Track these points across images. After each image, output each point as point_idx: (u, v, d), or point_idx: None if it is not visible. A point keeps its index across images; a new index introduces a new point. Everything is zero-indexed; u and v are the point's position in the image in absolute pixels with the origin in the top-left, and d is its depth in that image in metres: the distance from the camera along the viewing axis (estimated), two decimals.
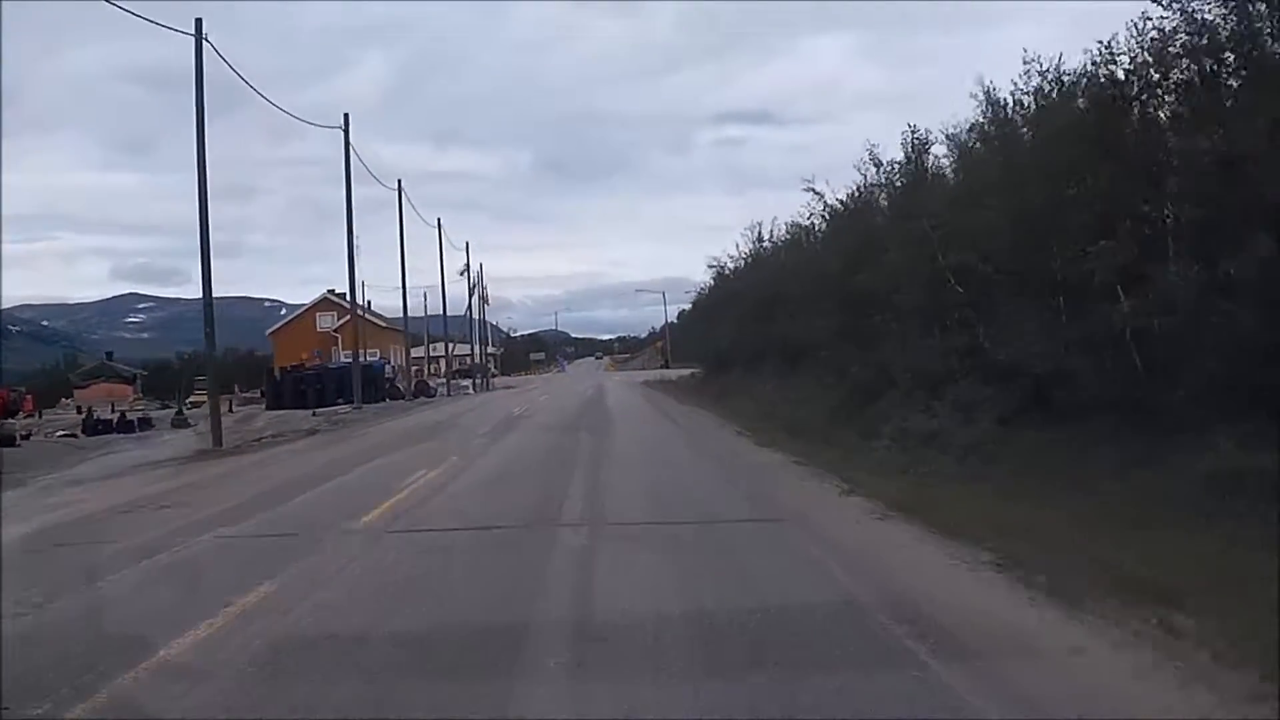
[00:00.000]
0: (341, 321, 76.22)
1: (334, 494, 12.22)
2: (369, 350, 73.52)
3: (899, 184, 16.68)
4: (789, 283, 23.33)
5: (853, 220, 18.65)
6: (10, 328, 67.17)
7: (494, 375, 76.16)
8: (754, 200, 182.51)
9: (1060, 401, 11.76)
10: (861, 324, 17.66)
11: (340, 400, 36.63)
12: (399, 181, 46.23)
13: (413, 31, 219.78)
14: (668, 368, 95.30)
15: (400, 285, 43.60)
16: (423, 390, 46.14)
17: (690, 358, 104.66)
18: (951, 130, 15.35)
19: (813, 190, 19.53)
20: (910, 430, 14.15)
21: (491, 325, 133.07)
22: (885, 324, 17.28)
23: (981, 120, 13.91)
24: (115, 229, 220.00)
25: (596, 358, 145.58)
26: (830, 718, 4.01)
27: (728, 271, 39.64)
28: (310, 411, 30.54)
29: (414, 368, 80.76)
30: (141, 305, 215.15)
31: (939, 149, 16.07)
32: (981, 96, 13.77)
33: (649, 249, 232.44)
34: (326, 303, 76.48)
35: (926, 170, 15.78)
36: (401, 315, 78.25)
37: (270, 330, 78.91)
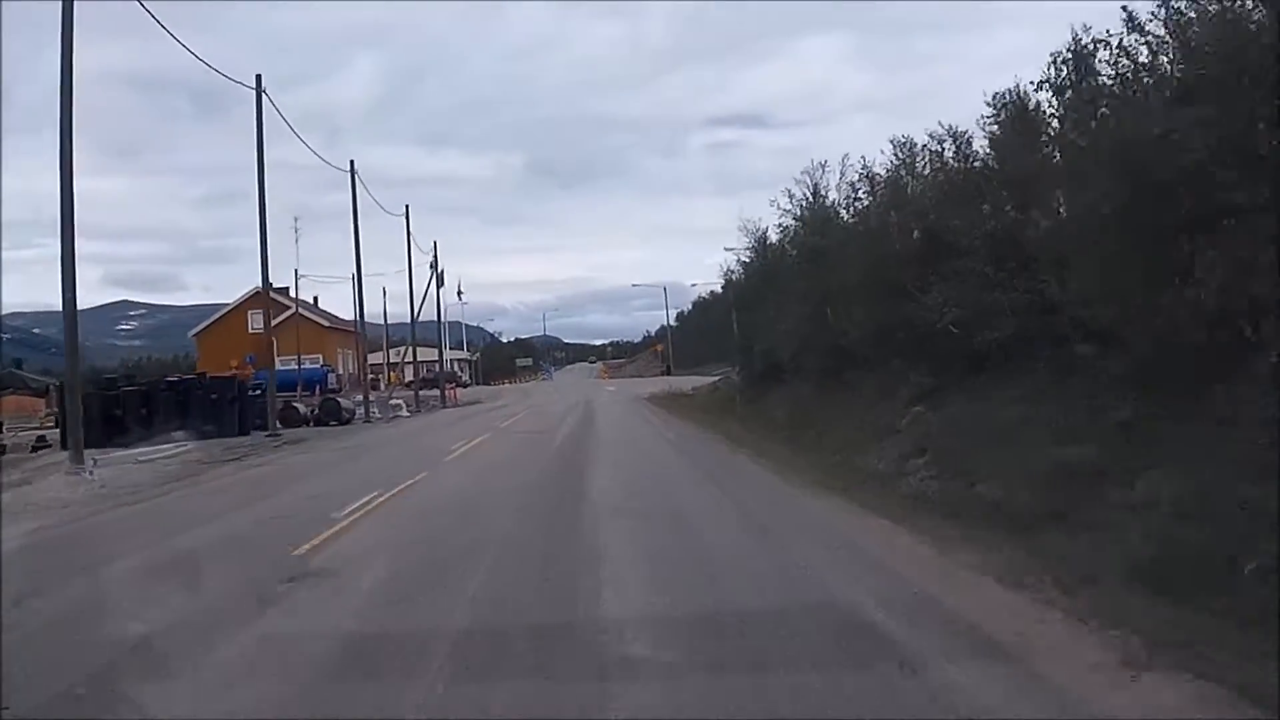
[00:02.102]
0: (279, 320, 63.06)
1: None
2: (309, 355, 60.89)
3: None
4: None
5: None
6: (2, 335, 58.16)
7: (459, 386, 63.30)
8: (746, 203, 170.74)
9: None
10: None
11: (207, 428, 23.73)
12: (257, 78, 29.77)
13: (403, 36, 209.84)
14: (670, 374, 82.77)
15: (260, 246, 29.47)
16: (331, 413, 32.98)
17: (693, 363, 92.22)
18: None
19: None
20: None
21: (471, 327, 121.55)
22: None
23: None
24: (106, 235, 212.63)
25: (590, 362, 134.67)
26: None
27: (782, 235, 26.40)
28: (89, 463, 17.63)
29: (371, 376, 67.90)
30: (133, 312, 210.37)
31: None
32: None
33: (641, 254, 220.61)
34: (259, 298, 63.19)
35: None
36: (379, 317, 65.49)
37: (194, 332, 65.74)
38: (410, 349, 69.78)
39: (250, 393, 27.41)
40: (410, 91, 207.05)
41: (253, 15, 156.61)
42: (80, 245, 17.78)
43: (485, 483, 13.98)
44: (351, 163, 37.01)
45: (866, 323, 16.53)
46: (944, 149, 15.63)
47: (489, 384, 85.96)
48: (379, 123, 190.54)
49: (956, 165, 15.34)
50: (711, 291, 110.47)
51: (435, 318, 78.68)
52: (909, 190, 16.81)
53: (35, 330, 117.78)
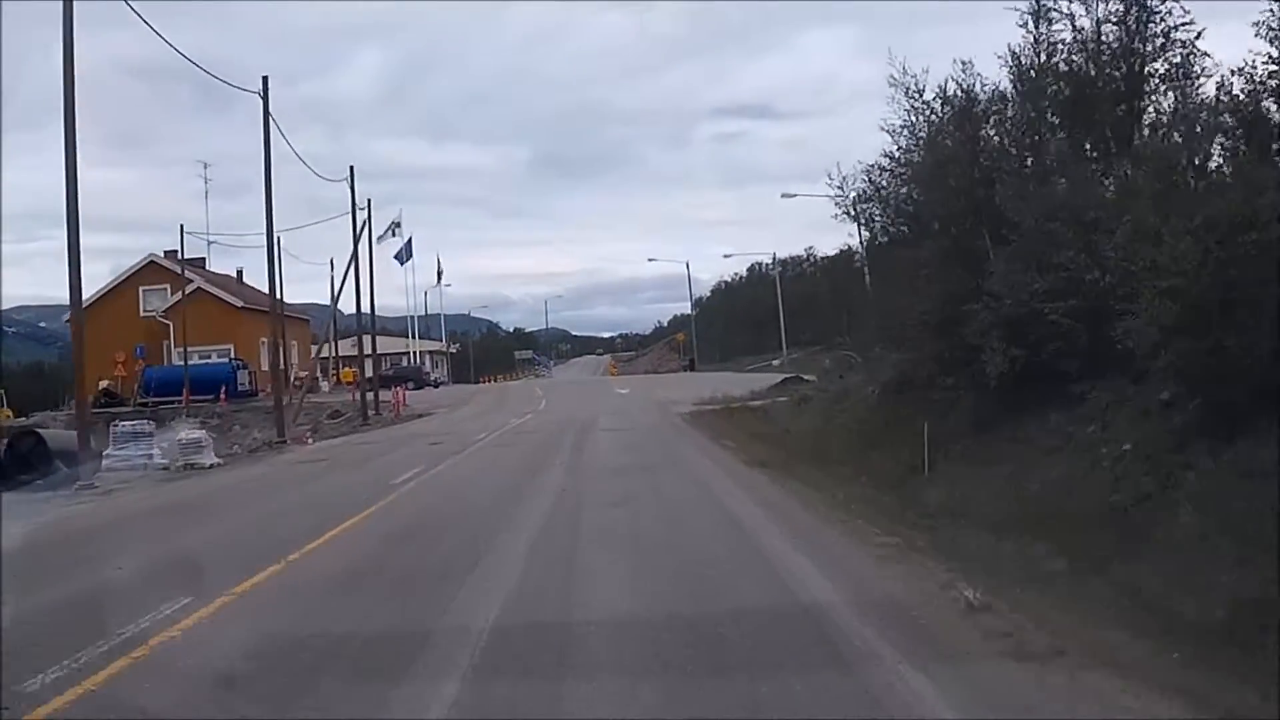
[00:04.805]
0: (173, 301, 47.00)
1: None
2: (219, 346, 45.75)
3: None
4: None
5: None
6: (7, 329, 55.25)
7: (423, 386, 47.90)
8: (752, 195, 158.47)
9: None
10: None
11: None
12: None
13: (409, 29, 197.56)
14: (693, 369, 67.45)
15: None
16: (28, 463, 16.28)
17: (718, 357, 76.71)
18: None
19: None
20: None
21: (469, 318, 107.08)
22: None
23: None
24: (111, 227, 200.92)
25: (597, 354, 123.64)
26: None
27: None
28: None
29: (303, 373, 52.72)
30: None
31: None
32: None
33: (648, 246, 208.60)
34: (154, 270, 47.56)
35: None
36: (360, 310, 49.85)
37: (69, 316, 49.97)
38: (341, 339, 54.40)
39: None
40: (415, 85, 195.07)
41: (258, 9, 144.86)
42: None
43: None
44: None
45: None
46: None
47: (478, 381, 70.27)
48: (383, 116, 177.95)
49: None
50: (736, 274, 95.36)
51: (427, 301, 63.24)
52: None
53: (41, 324, 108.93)
